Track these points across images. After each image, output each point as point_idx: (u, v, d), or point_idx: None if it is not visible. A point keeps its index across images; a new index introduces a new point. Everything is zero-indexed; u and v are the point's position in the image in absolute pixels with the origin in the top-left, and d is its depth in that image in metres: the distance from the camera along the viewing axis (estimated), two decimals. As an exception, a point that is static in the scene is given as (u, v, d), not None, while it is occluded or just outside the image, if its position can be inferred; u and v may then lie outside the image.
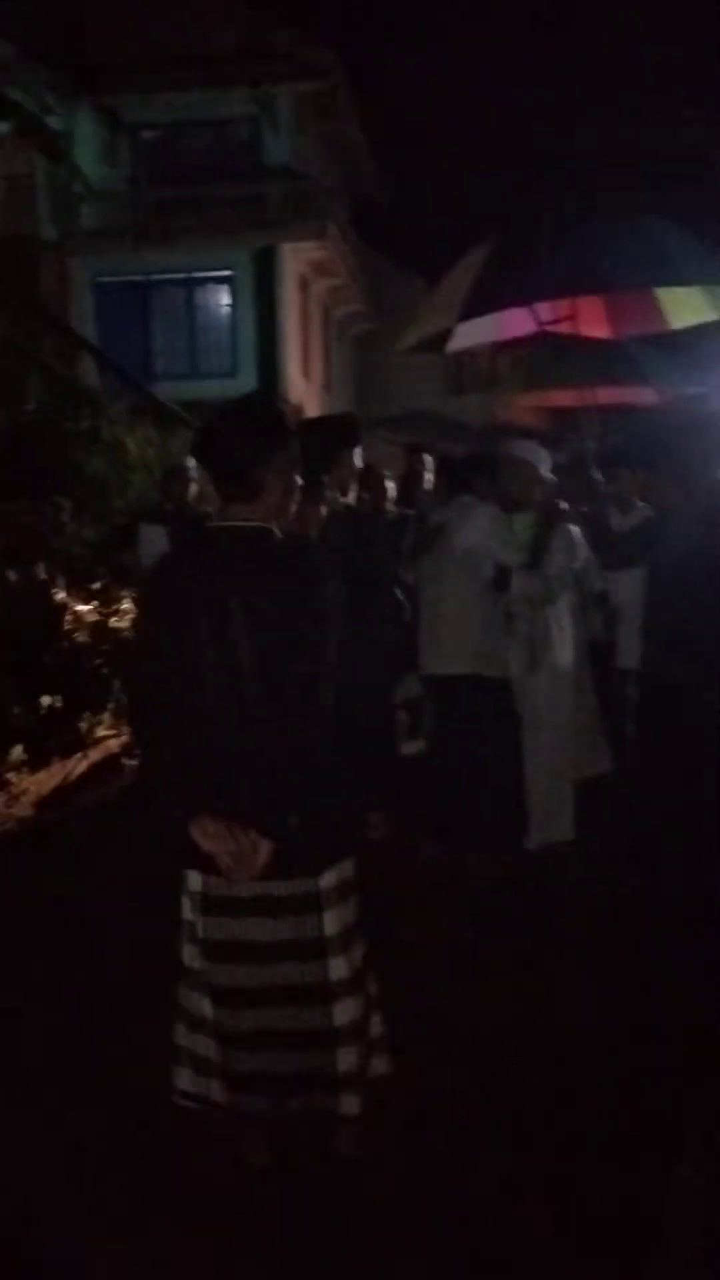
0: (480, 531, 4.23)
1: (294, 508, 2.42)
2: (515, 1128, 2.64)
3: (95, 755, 6.37)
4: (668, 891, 3.57)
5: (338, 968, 2.37)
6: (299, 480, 2.40)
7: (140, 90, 17.76)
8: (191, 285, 18.92)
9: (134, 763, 6.58)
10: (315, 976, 2.34)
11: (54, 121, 15.28)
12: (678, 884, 3.56)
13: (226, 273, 18.66)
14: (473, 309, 3.58)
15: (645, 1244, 2.24)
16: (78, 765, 6.14)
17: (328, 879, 2.36)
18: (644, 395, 5.69)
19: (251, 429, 2.33)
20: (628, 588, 4.47)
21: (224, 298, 18.90)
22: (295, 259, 18.93)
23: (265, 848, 2.22)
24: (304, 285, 19.82)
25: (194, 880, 2.36)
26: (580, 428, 4.56)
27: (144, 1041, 3.05)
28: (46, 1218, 2.39)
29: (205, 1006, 2.37)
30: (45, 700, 6.11)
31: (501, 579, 4.17)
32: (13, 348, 10.03)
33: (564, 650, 4.29)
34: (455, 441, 15.74)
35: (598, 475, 4.29)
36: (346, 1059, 2.37)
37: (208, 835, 2.23)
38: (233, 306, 18.78)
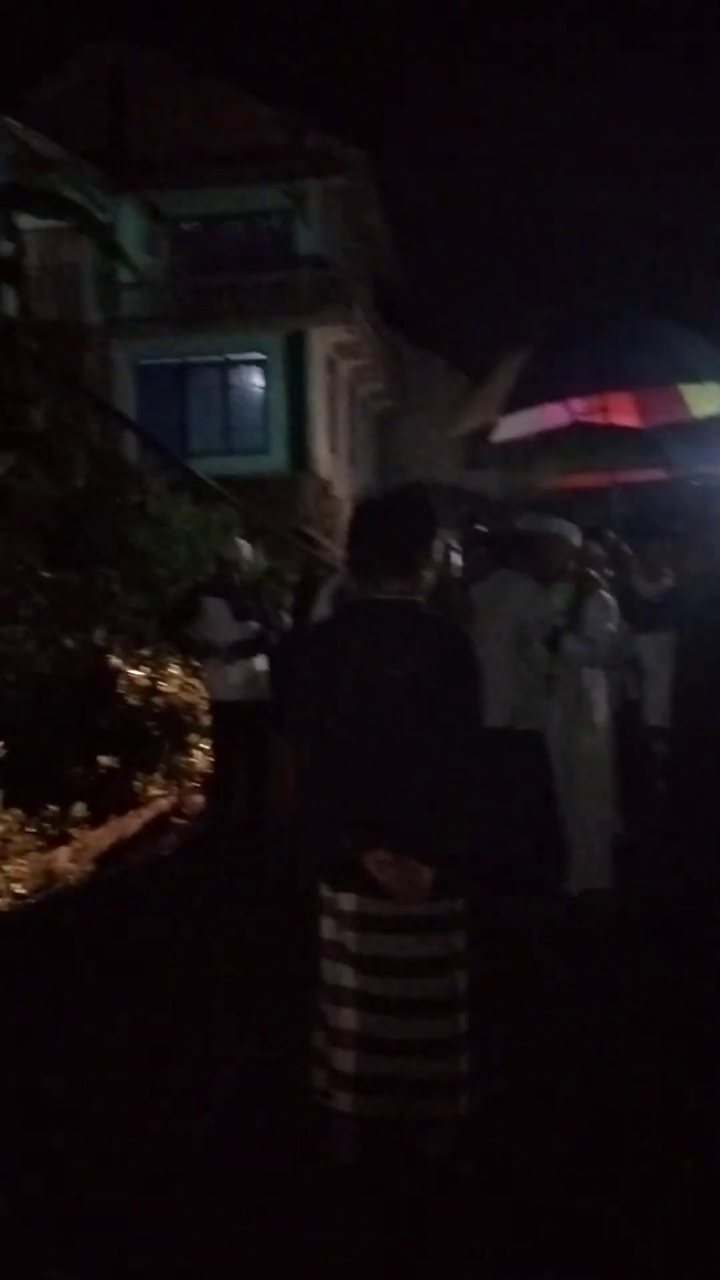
0: (525, 602, 4.62)
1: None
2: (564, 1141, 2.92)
3: (148, 814, 6.70)
4: (706, 934, 3.82)
5: (461, 981, 2.70)
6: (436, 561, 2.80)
7: (179, 185, 18.86)
8: (226, 367, 19.79)
9: (184, 821, 6.92)
10: (448, 990, 2.67)
11: (100, 215, 16.22)
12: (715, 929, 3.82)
13: (259, 355, 19.51)
14: (513, 405, 4.06)
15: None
16: (133, 823, 6.46)
17: (459, 902, 2.71)
18: (655, 474, 6.13)
19: (414, 518, 2.75)
20: (653, 649, 4.85)
21: (257, 379, 19.72)
22: (323, 342, 19.77)
23: (428, 874, 2.57)
24: (331, 366, 20.63)
25: (348, 901, 2.67)
26: (604, 503, 4.95)
27: (228, 1051, 3.42)
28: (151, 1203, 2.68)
29: (349, 1019, 2.66)
30: (103, 760, 6.47)
31: (553, 640, 4.55)
32: (62, 426, 10.58)
33: (602, 709, 4.64)
34: (474, 514, 16.25)
35: (625, 547, 4.69)
36: (463, 1065, 2.69)
37: (381, 865, 2.58)
38: (265, 387, 19.59)
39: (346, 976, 2.67)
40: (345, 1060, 2.65)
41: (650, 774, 4.92)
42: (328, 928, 2.74)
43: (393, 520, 2.74)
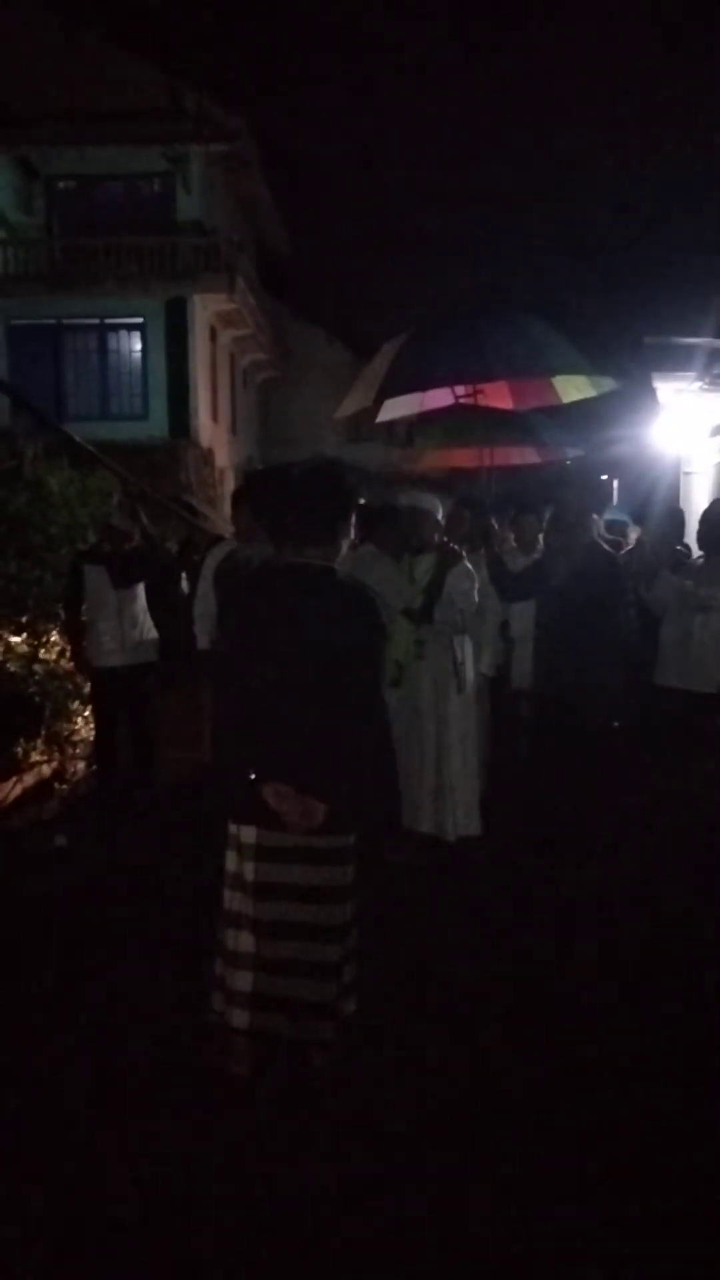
0: (382, 578, 4.78)
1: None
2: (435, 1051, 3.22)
3: (29, 779, 6.73)
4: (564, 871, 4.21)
5: (350, 909, 2.96)
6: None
7: (56, 142, 18.32)
8: (104, 331, 19.39)
9: (65, 787, 6.97)
10: (337, 918, 2.92)
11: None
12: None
13: (138, 320, 19.19)
14: (386, 393, 4.38)
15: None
16: (13, 788, 6.48)
17: (350, 837, 2.95)
18: (529, 455, 6.51)
19: (335, 491, 2.95)
20: (521, 618, 5.19)
21: (135, 344, 19.40)
22: (205, 309, 19.59)
23: (321, 809, 2.80)
24: (213, 334, 20.48)
25: (249, 834, 2.90)
26: (476, 480, 5.24)
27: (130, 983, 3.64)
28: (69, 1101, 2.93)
29: (246, 942, 2.89)
30: (-19, 726, 6.46)
31: (411, 613, 4.78)
32: (-70, 387, 10.26)
33: (469, 673, 4.94)
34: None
35: (494, 521, 5.00)
36: (338, 988, 2.95)
37: (279, 797, 2.79)
38: (144, 352, 19.29)
39: (245, 903, 2.91)
40: (242, 980, 2.89)
41: (515, 734, 5.28)
42: (230, 860, 2.98)
43: (319, 492, 2.96)
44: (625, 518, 8.84)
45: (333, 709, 2.82)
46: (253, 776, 2.83)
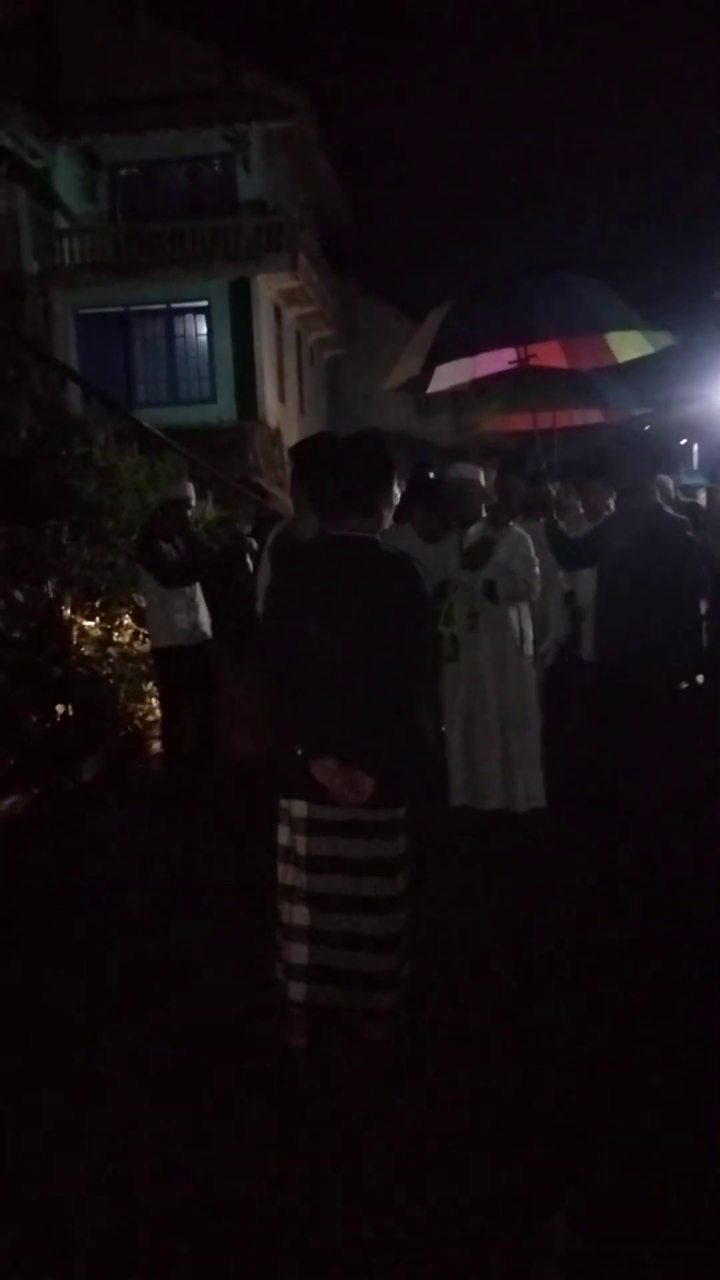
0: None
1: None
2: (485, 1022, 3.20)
3: (105, 758, 6.87)
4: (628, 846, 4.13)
5: (403, 882, 2.95)
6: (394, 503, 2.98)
7: (116, 130, 18.48)
8: (170, 315, 19.55)
9: (140, 765, 7.10)
10: (390, 890, 2.91)
11: (35, 161, 15.90)
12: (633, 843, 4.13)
13: (203, 303, 19.29)
14: (435, 360, 4.28)
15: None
16: (89, 768, 6.63)
17: (400, 810, 2.94)
18: (591, 415, 6.33)
19: (376, 463, 2.94)
20: (586, 588, 5.06)
21: (201, 327, 19.52)
22: (268, 289, 19.59)
23: (369, 783, 2.80)
24: (277, 314, 20.47)
25: (299, 808, 2.91)
26: (539, 445, 5.10)
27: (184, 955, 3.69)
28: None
29: (300, 915, 2.91)
30: (59, 708, 6.61)
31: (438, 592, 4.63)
32: (3, 379, 10.49)
33: (529, 642, 4.85)
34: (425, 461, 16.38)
35: (552, 488, 4.86)
36: (397, 960, 2.94)
37: (327, 771, 2.81)
38: (209, 335, 19.41)
39: (298, 877, 2.92)
40: (298, 953, 2.91)
41: (578, 707, 5.16)
42: (283, 834, 2.99)
43: (357, 464, 2.94)
44: (701, 479, 8.59)
45: (378, 682, 2.80)
46: (299, 751, 2.83)
